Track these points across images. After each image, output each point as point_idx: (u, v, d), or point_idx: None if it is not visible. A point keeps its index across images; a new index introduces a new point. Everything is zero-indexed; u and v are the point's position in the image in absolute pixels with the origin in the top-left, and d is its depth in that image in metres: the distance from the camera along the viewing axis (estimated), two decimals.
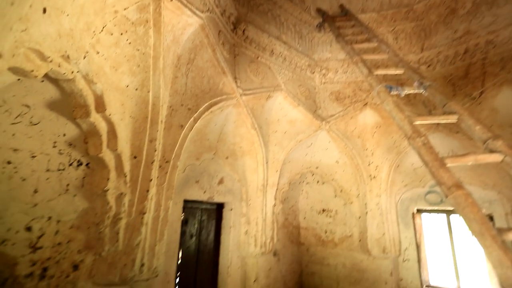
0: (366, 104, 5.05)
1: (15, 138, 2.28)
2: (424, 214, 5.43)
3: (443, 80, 4.37)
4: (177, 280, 3.68)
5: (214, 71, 3.73)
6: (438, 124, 4.30)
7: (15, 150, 2.28)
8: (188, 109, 3.37)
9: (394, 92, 2.86)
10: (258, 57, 4.54)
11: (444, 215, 5.06)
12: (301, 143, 5.24)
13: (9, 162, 2.23)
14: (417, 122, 2.37)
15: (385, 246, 5.13)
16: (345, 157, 5.56)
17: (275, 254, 5.16)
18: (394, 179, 5.42)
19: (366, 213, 5.35)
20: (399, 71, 3.38)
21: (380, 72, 3.39)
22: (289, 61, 4.97)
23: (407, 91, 2.92)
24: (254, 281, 4.59)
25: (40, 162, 2.40)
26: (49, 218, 2.38)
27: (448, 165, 1.97)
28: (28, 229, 2.26)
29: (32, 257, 2.24)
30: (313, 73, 5.34)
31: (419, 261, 5.16)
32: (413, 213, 5.36)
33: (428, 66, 4.58)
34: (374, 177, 5.38)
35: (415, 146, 2.13)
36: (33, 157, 2.37)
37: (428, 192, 5.19)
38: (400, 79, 4.39)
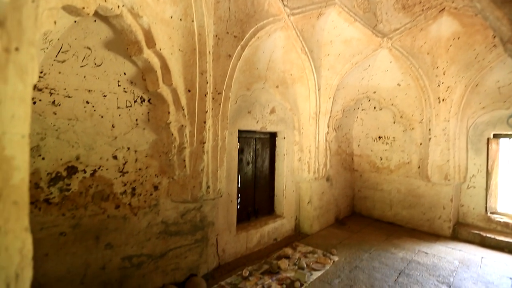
0: (443, 9, 4.10)
1: (87, 80, 2.52)
2: (502, 140, 4.80)
3: None
4: (239, 200, 4.18)
5: None
6: None
7: (89, 91, 2.55)
8: (234, 36, 3.20)
9: None
10: None
11: None
12: (357, 65, 4.72)
13: (87, 102, 2.53)
14: None
15: (448, 173, 4.84)
16: (408, 79, 4.92)
17: (328, 179, 5.35)
18: (470, 100, 4.71)
19: (429, 139, 4.95)
20: None
21: None
22: None
23: None
24: (308, 202, 4.95)
25: (111, 101, 2.67)
26: (128, 148, 2.77)
27: None
28: (115, 157, 2.68)
29: (123, 179, 2.73)
30: None
31: (487, 188, 4.82)
32: (488, 139, 4.78)
33: None
34: (443, 99, 4.75)
35: None
36: (104, 96, 2.63)
37: None
38: None
